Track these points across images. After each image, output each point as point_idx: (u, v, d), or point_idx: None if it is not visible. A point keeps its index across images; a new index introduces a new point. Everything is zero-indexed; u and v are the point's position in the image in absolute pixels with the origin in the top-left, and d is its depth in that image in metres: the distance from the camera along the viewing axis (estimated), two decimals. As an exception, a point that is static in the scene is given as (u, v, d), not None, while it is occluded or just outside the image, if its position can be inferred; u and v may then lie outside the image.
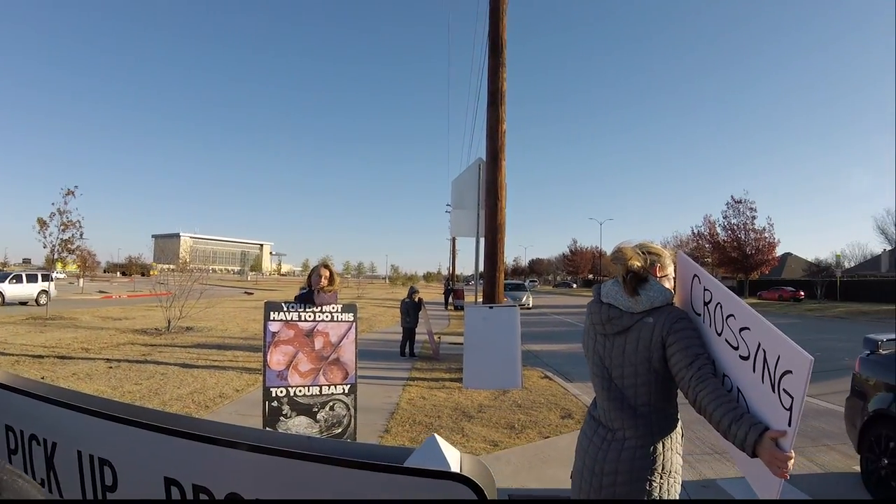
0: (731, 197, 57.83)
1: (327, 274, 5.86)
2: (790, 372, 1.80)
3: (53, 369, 10.48)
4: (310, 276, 5.93)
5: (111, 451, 1.82)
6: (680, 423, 2.37)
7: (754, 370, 1.97)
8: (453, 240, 55.32)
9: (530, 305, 36.34)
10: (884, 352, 5.61)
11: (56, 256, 21.43)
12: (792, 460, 1.80)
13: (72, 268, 50.35)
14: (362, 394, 6.58)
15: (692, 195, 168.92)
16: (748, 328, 2.02)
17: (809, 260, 70.55)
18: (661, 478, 2.24)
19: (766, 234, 55.29)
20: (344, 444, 1.53)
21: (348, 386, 5.85)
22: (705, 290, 2.29)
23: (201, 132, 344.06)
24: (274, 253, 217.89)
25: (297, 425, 5.67)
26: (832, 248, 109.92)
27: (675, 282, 2.48)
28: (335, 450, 1.79)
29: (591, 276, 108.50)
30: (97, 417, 1.84)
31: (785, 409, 1.81)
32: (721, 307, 2.17)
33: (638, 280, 2.31)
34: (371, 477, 1.51)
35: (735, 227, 56.19)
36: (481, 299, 9.61)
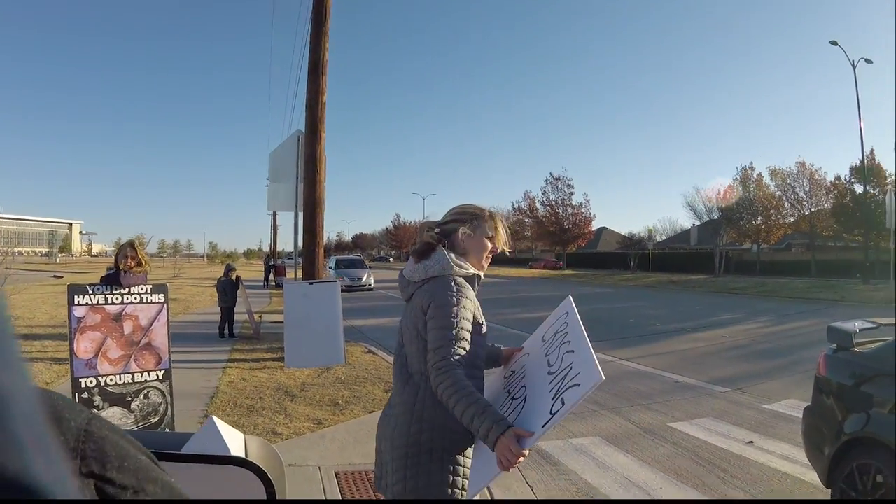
0: (550, 174, 61.26)
1: (133, 253, 5.54)
2: (578, 385, 1.90)
3: None
4: (116, 257, 5.62)
5: None
6: None
7: (550, 383, 2.04)
8: (274, 215, 53.67)
9: (371, 285, 29.94)
10: (860, 348, 4.08)
11: None
12: (523, 459, 1.86)
13: None
14: (180, 379, 6.32)
15: (514, 171, 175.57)
16: (573, 351, 2.08)
17: (623, 234, 75.53)
18: (428, 456, 2.07)
19: (583, 210, 59.20)
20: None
21: (162, 372, 5.60)
22: (566, 322, 2.30)
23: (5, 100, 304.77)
24: (84, 232, 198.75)
25: (111, 417, 5.22)
26: (645, 222, 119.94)
27: (491, 241, 2.36)
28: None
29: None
30: None
31: (550, 413, 1.90)
32: (566, 335, 2.21)
33: (425, 250, 2.27)
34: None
35: (553, 203, 59.63)
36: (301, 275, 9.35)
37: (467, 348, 2.08)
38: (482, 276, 2.35)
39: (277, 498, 1.44)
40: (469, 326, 2.12)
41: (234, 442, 1.59)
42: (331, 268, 30.37)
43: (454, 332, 2.06)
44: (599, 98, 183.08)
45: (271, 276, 34.59)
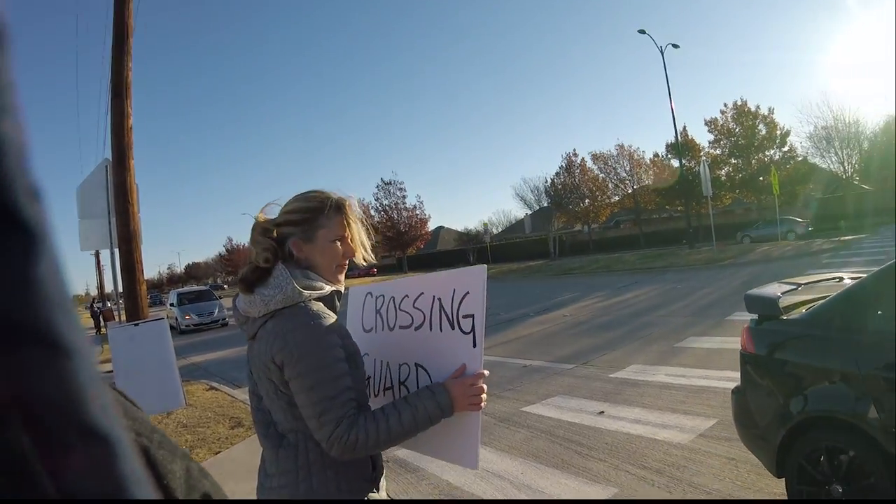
0: (381, 179, 61.46)
1: None
2: (468, 293, 1.78)
3: None
4: None
5: None
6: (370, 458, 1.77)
7: (431, 328, 1.88)
8: (96, 254, 49.58)
9: (225, 319, 24.08)
10: (788, 315, 3.60)
11: None
12: (484, 381, 1.70)
13: None
14: None
15: (345, 180, 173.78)
16: (422, 293, 1.94)
17: (460, 230, 77.32)
18: None
19: (418, 212, 59.86)
20: None
21: None
22: (377, 297, 2.15)
23: None
24: None
25: None
26: (480, 217, 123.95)
27: (343, 243, 1.79)
28: None
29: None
30: None
31: (465, 333, 1.76)
32: (393, 300, 2.05)
33: (258, 276, 1.69)
34: None
35: (387, 208, 59.81)
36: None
37: (354, 395, 1.62)
38: (343, 290, 1.83)
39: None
40: (345, 366, 1.63)
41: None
42: (172, 304, 26.56)
43: (333, 385, 1.58)
44: (419, 100, 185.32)
45: (103, 323, 31.17)
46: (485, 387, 1.70)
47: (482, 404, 1.69)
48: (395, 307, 2.03)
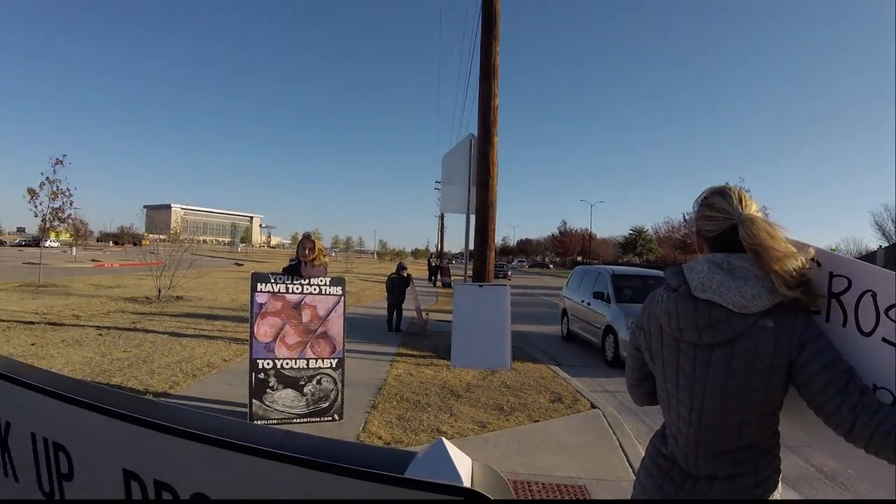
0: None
1: (312, 246, 5.73)
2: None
3: (44, 335, 9.98)
4: (298, 248, 5.86)
5: (67, 436, 1.48)
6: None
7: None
8: (441, 217, 55.14)
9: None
10: None
11: (48, 225, 21.45)
12: None
13: (65, 236, 56.05)
14: (349, 368, 6.37)
15: (688, 184, 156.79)
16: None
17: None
18: None
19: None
20: (332, 444, 1.44)
21: (336, 360, 5.80)
22: (835, 276, 1.59)
23: (195, 103, 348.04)
24: (264, 225, 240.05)
25: (284, 398, 5.58)
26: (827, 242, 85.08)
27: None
28: (321, 450, 1.38)
29: (580, 259, 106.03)
30: (53, 398, 1.48)
31: None
32: (875, 296, 1.50)
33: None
34: (363, 487, 1.12)
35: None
36: (471, 277, 9.17)
37: None
38: None
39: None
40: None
41: (463, 467, 1.44)
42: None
43: (844, 360, 1.48)
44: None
45: (438, 276, 35.75)
46: None
47: None
48: (875, 308, 1.50)
